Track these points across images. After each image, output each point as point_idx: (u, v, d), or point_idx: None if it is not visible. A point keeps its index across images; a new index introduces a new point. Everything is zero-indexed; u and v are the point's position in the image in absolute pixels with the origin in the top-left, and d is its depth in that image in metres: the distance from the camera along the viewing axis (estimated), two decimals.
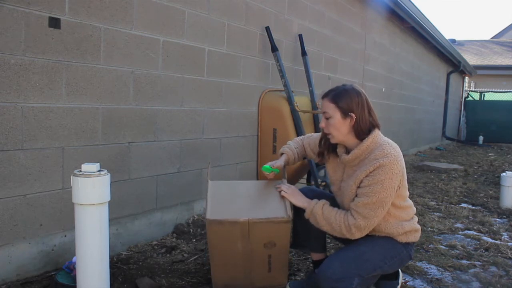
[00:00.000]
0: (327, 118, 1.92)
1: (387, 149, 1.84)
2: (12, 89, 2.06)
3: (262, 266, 2.06)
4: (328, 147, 2.06)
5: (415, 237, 2.00)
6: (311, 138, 2.29)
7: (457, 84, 14.54)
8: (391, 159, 1.81)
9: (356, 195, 1.87)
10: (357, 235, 1.86)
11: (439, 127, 12.36)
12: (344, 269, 1.79)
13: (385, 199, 1.81)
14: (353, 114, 1.86)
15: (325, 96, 1.95)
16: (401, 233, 1.94)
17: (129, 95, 2.63)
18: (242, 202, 2.05)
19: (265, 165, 2.17)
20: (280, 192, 2.06)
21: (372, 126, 1.90)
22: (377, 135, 1.90)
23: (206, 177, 2.04)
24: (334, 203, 2.05)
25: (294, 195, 2.05)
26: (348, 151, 1.96)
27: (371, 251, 1.88)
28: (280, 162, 2.21)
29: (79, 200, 1.66)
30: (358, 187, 1.86)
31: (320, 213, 1.92)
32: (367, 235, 1.90)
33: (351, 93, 1.89)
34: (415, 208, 2.07)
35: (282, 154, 2.28)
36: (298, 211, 2.10)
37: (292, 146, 2.29)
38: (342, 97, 1.88)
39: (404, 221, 1.96)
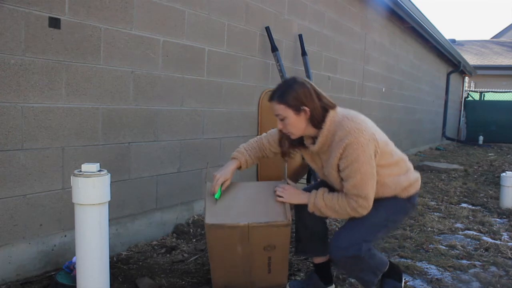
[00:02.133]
0: (282, 120, 1.87)
1: (347, 125, 1.80)
2: (12, 89, 2.06)
3: (262, 268, 2.05)
4: (293, 144, 2.02)
5: (415, 187, 2.01)
6: (272, 135, 2.15)
7: (457, 84, 14.54)
8: (354, 134, 1.78)
9: (342, 179, 1.86)
10: (365, 212, 1.86)
11: (439, 127, 12.36)
12: (350, 237, 1.86)
13: (368, 170, 1.80)
14: (305, 108, 1.82)
15: (271, 99, 1.88)
16: (400, 190, 1.95)
17: (129, 95, 2.63)
18: (241, 205, 2.02)
19: (215, 194, 2.03)
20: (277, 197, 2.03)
21: (326, 110, 1.85)
22: (333, 116, 1.85)
23: (205, 178, 2.02)
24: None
25: (291, 196, 2.01)
26: (314, 139, 1.93)
27: (375, 215, 1.89)
28: (225, 174, 2.07)
29: (79, 200, 1.66)
30: (339, 171, 1.85)
31: (322, 204, 1.90)
32: None
33: (296, 87, 1.84)
34: (406, 157, 2.05)
35: (232, 159, 2.15)
36: (299, 215, 2.10)
37: (242, 149, 2.16)
38: (289, 94, 1.83)
39: (399, 175, 1.96)
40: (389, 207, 1.97)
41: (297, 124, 1.86)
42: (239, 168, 2.15)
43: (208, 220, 1.91)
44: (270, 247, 1.96)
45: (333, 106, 1.88)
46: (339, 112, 1.88)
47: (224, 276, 2.08)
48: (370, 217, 1.89)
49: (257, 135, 3.79)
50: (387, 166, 1.92)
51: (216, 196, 2.01)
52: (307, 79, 1.91)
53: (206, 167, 2.24)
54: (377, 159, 1.84)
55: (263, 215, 1.94)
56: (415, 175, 2.05)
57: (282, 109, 1.84)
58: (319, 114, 1.84)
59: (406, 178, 1.99)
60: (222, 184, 2.05)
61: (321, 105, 1.85)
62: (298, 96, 1.82)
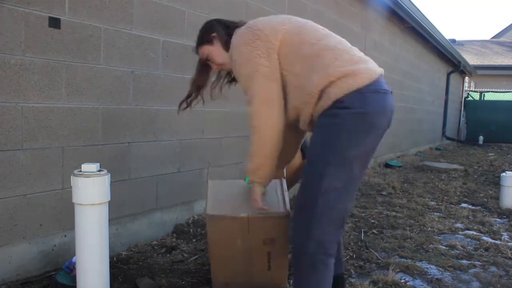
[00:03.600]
0: (208, 60, 1.85)
1: (238, 31, 1.69)
2: (12, 89, 2.06)
3: (261, 264, 2.06)
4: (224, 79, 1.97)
5: (349, 83, 1.47)
6: None
7: (457, 84, 14.54)
8: (238, 35, 1.66)
9: None
10: (259, 124, 1.58)
11: (439, 127, 12.36)
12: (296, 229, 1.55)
13: (249, 70, 1.59)
14: (212, 34, 1.79)
15: (195, 52, 1.90)
16: (316, 92, 1.50)
17: (129, 95, 2.63)
18: (241, 200, 2.05)
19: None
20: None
21: (229, 28, 1.78)
22: (237, 31, 1.71)
23: (206, 178, 2.04)
24: None
25: (253, 196, 1.77)
26: None
27: (304, 176, 1.54)
28: None
29: (79, 200, 1.66)
30: None
31: (246, 166, 1.71)
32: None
33: (202, 27, 1.86)
34: (350, 51, 1.61)
35: None
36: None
37: None
38: (199, 34, 1.86)
39: (315, 72, 1.52)
40: (318, 152, 1.50)
41: (217, 52, 1.80)
42: None
43: (210, 211, 1.95)
44: (269, 240, 1.98)
45: (239, 24, 1.76)
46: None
47: (224, 275, 2.08)
48: (302, 186, 1.54)
49: None
50: (298, 63, 1.57)
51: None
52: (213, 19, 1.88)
53: (208, 168, 2.25)
54: (280, 57, 1.58)
55: (262, 212, 1.94)
56: (350, 68, 1.50)
57: (201, 50, 1.85)
58: (224, 36, 1.77)
59: (324, 75, 1.49)
60: None
61: (227, 30, 1.78)
62: (203, 31, 1.84)
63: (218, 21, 1.85)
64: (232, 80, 1.96)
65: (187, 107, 1.96)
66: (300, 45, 1.58)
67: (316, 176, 1.49)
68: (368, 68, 1.54)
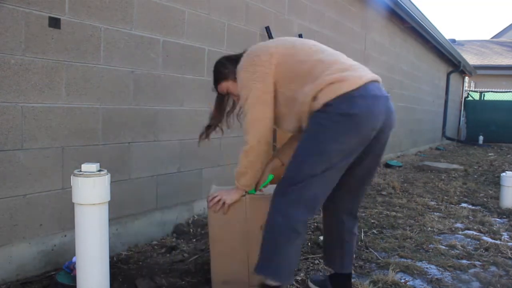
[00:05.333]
0: (229, 93, 2.02)
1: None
2: (12, 89, 2.06)
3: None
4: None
5: (335, 89, 1.62)
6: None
7: (457, 84, 14.54)
8: (240, 64, 1.84)
9: None
10: (248, 139, 1.82)
11: (439, 127, 12.36)
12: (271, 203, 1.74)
13: (246, 94, 1.79)
14: (224, 74, 1.97)
15: (213, 89, 2.06)
16: (308, 100, 1.66)
17: (129, 95, 2.63)
18: None
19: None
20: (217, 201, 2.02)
21: (237, 61, 1.92)
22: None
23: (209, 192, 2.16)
24: None
25: (227, 195, 2.02)
26: None
27: (291, 159, 1.73)
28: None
29: (79, 200, 1.66)
30: None
31: (234, 171, 1.96)
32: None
33: (214, 67, 2.02)
34: (334, 61, 1.74)
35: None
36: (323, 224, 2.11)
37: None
38: (214, 75, 2.02)
39: (308, 84, 1.68)
40: (302, 150, 1.70)
41: (233, 85, 1.96)
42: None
43: (210, 194, 2.07)
44: None
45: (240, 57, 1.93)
46: None
47: (224, 268, 2.10)
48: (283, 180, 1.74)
49: None
50: (294, 80, 1.74)
51: (251, 191, 2.15)
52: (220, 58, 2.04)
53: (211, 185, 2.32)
54: (278, 77, 1.76)
55: (261, 193, 2.12)
56: (335, 76, 1.64)
57: (220, 87, 2.02)
58: (234, 70, 1.92)
59: (316, 83, 1.65)
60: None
61: (235, 63, 1.91)
62: (217, 69, 2.01)
63: (227, 58, 2.02)
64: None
65: (205, 138, 2.14)
66: (294, 65, 1.76)
67: (298, 161, 1.70)
68: (356, 74, 1.69)
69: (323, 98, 1.63)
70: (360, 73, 1.70)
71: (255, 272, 1.78)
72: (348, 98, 1.62)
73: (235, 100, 2.05)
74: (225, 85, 2.00)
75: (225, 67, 1.98)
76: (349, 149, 1.67)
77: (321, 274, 2.34)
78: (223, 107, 2.10)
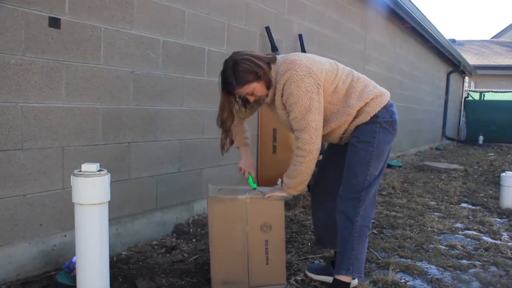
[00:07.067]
0: (251, 94, 2.02)
1: (284, 68, 1.94)
2: (12, 89, 2.06)
3: (260, 255, 2.12)
4: (247, 105, 2.18)
5: (379, 102, 2.00)
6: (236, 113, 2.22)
7: (457, 84, 14.54)
8: (291, 69, 1.91)
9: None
10: (311, 148, 1.93)
11: (439, 127, 12.36)
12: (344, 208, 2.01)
13: (306, 103, 1.90)
14: (259, 74, 1.96)
15: (232, 88, 1.99)
16: (354, 111, 1.98)
17: (129, 95, 2.63)
18: (240, 192, 2.19)
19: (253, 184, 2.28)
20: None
21: (268, 64, 1.99)
22: (275, 64, 2.00)
23: (206, 193, 2.18)
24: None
25: (278, 192, 2.13)
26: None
27: (352, 166, 2.00)
28: (246, 164, 2.32)
29: (79, 200, 1.66)
30: (287, 111, 1.99)
31: (286, 179, 2.04)
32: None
33: (242, 66, 1.95)
34: (368, 80, 2.08)
35: (241, 146, 2.37)
36: (313, 209, 2.33)
37: (239, 136, 2.36)
38: (243, 74, 1.94)
39: (351, 98, 1.99)
40: (359, 151, 1.99)
41: (262, 87, 2.02)
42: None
43: (211, 194, 2.11)
44: (266, 226, 2.10)
45: (273, 59, 2.02)
46: (279, 60, 2.02)
47: (223, 268, 2.11)
48: (347, 172, 2.02)
49: (257, 134, 3.79)
50: (337, 92, 2.00)
51: (254, 185, 2.27)
52: (240, 52, 2.02)
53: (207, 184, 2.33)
54: (325, 90, 1.96)
55: (260, 195, 2.16)
56: (378, 91, 2.03)
57: (246, 88, 1.98)
58: (268, 72, 2.00)
59: (363, 96, 1.99)
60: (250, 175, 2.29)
61: (265, 66, 1.99)
62: (249, 69, 1.95)
63: (257, 58, 1.99)
64: (245, 103, 2.18)
65: (228, 147, 2.20)
66: (337, 81, 2.01)
67: (364, 167, 1.98)
68: (384, 89, 2.09)
69: (371, 111, 1.98)
70: (385, 89, 2.10)
71: (349, 275, 2.01)
72: (387, 108, 2.02)
73: (250, 99, 2.06)
74: (254, 86, 1.99)
75: (261, 68, 1.96)
76: (389, 148, 2.07)
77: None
78: (232, 108, 2.12)
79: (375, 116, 1.99)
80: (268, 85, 2.01)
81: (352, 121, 2.01)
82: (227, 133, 2.16)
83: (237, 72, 1.93)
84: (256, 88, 1.99)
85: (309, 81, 1.90)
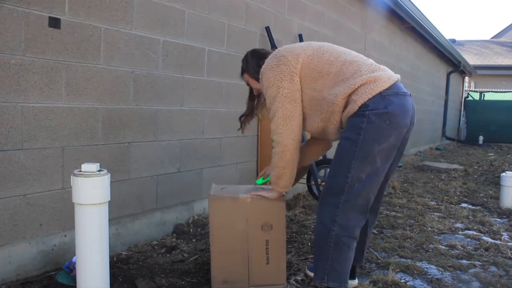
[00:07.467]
0: (249, 85, 2.16)
1: (266, 60, 1.95)
2: (12, 89, 2.06)
3: (260, 255, 2.12)
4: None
5: (369, 89, 1.70)
6: None
7: (457, 84, 14.54)
8: (265, 63, 1.92)
9: None
10: (278, 139, 1.84)
11: (439, 127, 12.36)
12: (323, 212, 1.85)
13: (273, 93, 1.85)
14: (243, 66, 2.12)
15: (241, 77, 2.17)
16: (338, 99, 1.74)
17: (129, 95, 2.63)
18: (241, 191, 2.19)
19: (257, 179, 2.31)
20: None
21: (262, 60, 2.01)
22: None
23: (209, 191, 2.18)
24: None
25: (267, 193, 2.07)
26: None
27: (333, 166, 1.84)
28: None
29: (79, 200, 1.66)
30: None
31: (271, 177, 2.00)
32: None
33: (243, 59, 2.14)
34: (365, 63, 1.82)
35: None
36: None
37: None
38: (241, 66, 2.14)
39: (338, 84, 1.76)
40: (344, 145, 1.77)
41: (253, 80, 2.09)
42: None
43: (212, 193, 2.11)
44: (267, 226, 2.09)
45: (266, 54, 2.02)
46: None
47: (224, 268, 2.11)
48: (331, 174, 1.85)
49: (257, 135, 3.79)
50: (320, 80, 1.81)
51: (258, 181, 2.28)
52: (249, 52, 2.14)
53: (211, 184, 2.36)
54: (302, 77, 1.84)
55: (261, 194, 2.14)
56: (368, 76, 1.73)
57: (244, 78, 2.16)
58: (254, 67, 2.04)
59: (350, 83, 1.72)
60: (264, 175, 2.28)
61: (259, 60, 2.02)
62: (243, 62, 2.13)
63: (252, 53, 2.12)
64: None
65: (243, 128, 2.24)
66: (321, 65, 1.81)
67: (344, 168, 1.75)
68: (386, 74, 1.78)
69: (359, 100, 1.70)
70: (388, 73, 1.80)
71: (318, 284, 1.87)
72: (383, 97, 1.71)
73: (254, 91, 2.16)
74: (246, 77, 2.13)
75: (247, 61, 2.09)
76: (388, 148, 1.78)
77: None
78: (253, 96, 2.20)
79: (364, 106, 1.70)
80: (258, 78, 2.02)
81: (342, 112, 1.79)
82: (242, 117, 2.23)
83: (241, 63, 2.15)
84: (249, 79, 2.11)
85: (279, 69, 1.84)
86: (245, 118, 2.23)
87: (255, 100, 2.20)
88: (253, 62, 2.06)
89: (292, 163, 1.89)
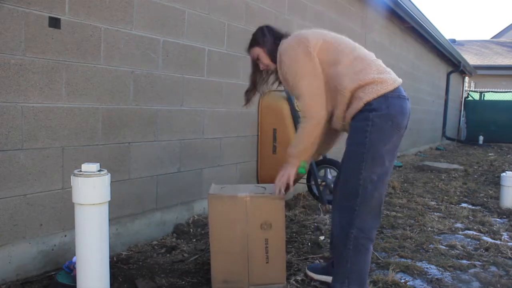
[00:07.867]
0: (258, 59, 2.14)
1: (284, 40, 1.98)
2: (12, 89, 2.06)
3: (260, 254, 2.12)
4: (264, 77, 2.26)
5: (376, 89, 1.80)
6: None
7: (457, 84, 14.54)
8: (285, 43, 1.95)
9: None
10: (311, 113, 1.89)
11: (439, 127, 12.36)
12: (341, 222, 1.91)
13: (297, 71, 1.89)
14: (259, 41, 2.10)
15: (248, 51, 2.18)
16: (348, 92, 1.82)
17: (129, 95, 2.63)
18: (241, 190, 2.20)
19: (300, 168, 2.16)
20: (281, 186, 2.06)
21: (278, 38, 2.05)
22: (283, 41, 2.01)
23: (209, 191, 2.19)
24: None
25: (288, 171, 2.04)
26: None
27: (344, 171, 1.92)
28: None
29: (79, 200, 1.66)
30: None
31: (291, 150, 1.99)
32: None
33: (255, 31, 2.15)
34: (375, 63, 1.91)
35: None
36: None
37: None
38: (252, 37, 2.15)
39: (347, 76, 1.84)
40: (352, 147, 1.86)
41: (265, 56, 2.10)
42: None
43: (211, 192, 2.13)
44: (266, 225, 2.10)
45: (285, 36, 2.05)
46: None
47: (224, 268, 2.11)
48: (343, 180, 1.92)
49: (257, 135, 3.79)
50: (332, 64, 1.89)
51: (302, 170, 2.18)
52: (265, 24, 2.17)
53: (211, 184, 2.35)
54: (323, 61, 1.89)
55: (260, 193, 2.17)
56: (379, 77, 1.83)
57: (253, 51, 2.14)
58: (271, 43, 2.07)
59: (353, 78, 1.82)
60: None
61: (275, 38, 2.06)
62: (256, 35, 2.13)
63: (269, 29, 2.13)
64: (277, 79, 2.20)
65: (247, 103, 2.28)
66: (337, 53, 1.90)
67: (355, 171, 1.83)
68: (392, 77, 1.89)
69: (365, 97, 1.80)
70: (393, 76, 1.90)
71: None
72: (387, 99, 1.82)
73: (261, 67, 2.16)
74: (257, 51, 2.11)
75: (264, 35, 2.09)
76: (392, 148, 1.86)
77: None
78: (259, 71, 2.21)
79: (369, 104, 1.80)
80: (272, 55, 2.05)
81: (348, 107, 1.87)
82: (247, 92, 2.26)
83: (251, 37, 2.16)
84: (260, 54, 2.10)
85: (300, 49, 1.90)
86: (248, 93, 2.27)
87: (258, 75, 2.23)
88: (271, 38, 2.08)
89: (318, 139, 1.94)
